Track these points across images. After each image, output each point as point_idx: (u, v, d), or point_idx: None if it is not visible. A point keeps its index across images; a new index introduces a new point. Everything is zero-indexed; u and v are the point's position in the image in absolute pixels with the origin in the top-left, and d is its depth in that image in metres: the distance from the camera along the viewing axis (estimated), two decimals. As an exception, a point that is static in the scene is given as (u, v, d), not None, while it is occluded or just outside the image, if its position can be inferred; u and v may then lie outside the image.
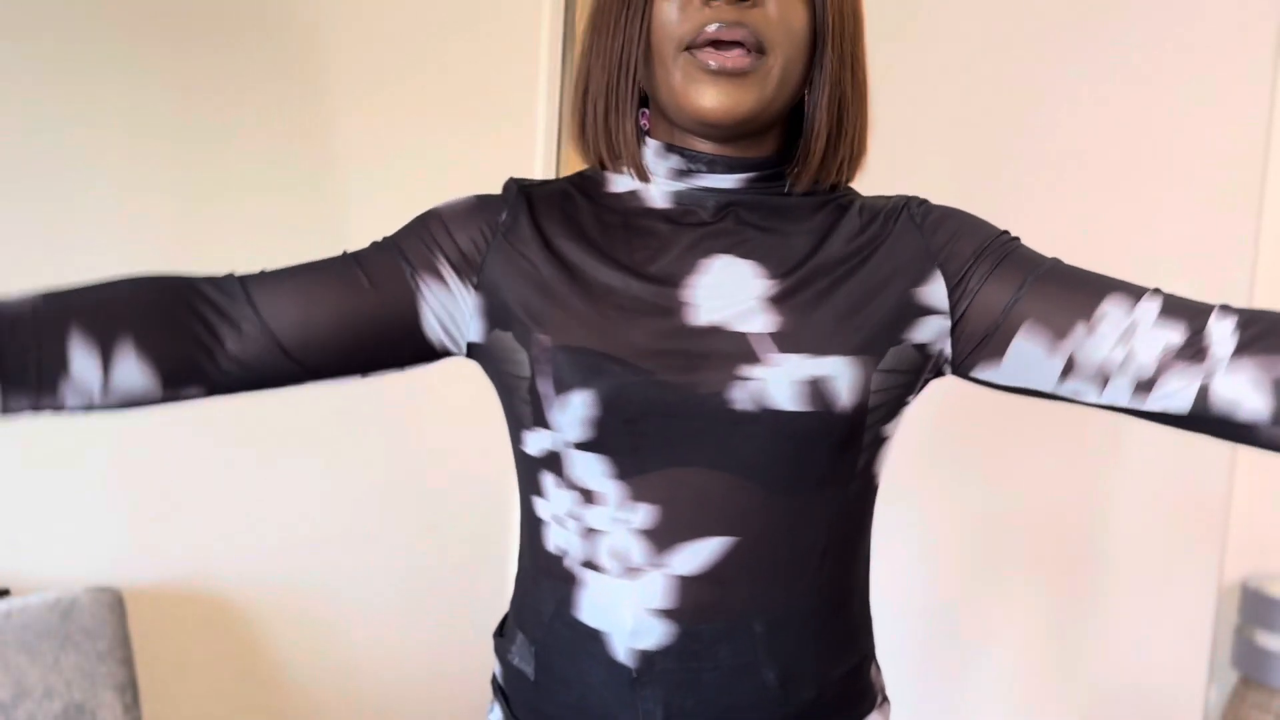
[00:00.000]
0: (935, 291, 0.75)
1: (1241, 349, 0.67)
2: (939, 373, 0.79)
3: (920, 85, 2.64)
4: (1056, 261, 0.76)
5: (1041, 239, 2.42)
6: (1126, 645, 2.29)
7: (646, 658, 0.73)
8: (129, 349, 0.72)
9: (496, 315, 0.77)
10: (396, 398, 1.99)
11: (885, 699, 0.86)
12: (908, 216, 0.77)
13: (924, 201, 0.80)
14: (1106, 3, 2.32)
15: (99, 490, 1.57)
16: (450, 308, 0.78)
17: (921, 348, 0.75)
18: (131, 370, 0.72)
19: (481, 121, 2.09)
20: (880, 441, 0.77)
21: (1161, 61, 2.24)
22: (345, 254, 0.79)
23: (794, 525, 0.74)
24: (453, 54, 2.03)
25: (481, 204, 0.80)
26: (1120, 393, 0.71)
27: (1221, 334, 0.68)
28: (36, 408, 0.72)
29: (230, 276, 0.79)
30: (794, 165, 0.77)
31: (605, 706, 0.76)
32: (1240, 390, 0.67)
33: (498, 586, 2.26)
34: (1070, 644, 2.38)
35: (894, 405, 0.76)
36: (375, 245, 0.80)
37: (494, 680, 0.91)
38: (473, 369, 2.16)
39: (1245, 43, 2.13)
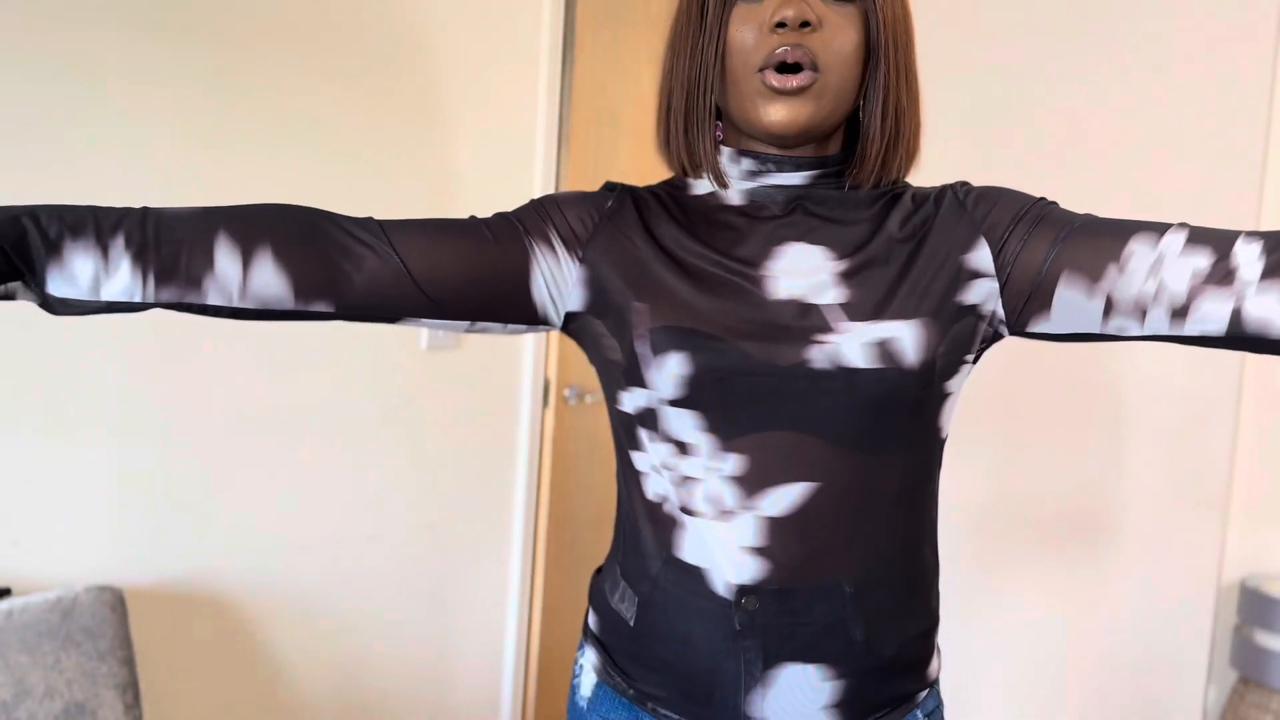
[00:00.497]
0: (981, 257, 0.83)
1: (1271, 270, 0.71)
2: (996, 335, 0.87)
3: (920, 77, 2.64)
4: (1089, 216, 0.82)
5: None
6: (1126, 644, 2.29)
7: (744, 594, 0.82)
8: (267, 255, 0.80)
9: (596, 296, 0.87)
10: (397, 399, 1.99)
11: (940, 662, 0.95)
12: (952, 195, 0.87)
13: (966, 183, 0.89)
14: (1106, 4, 2.32)
15: (100, 490, 1.57)
16: (557, 275, 0.87)
17: (973, 308, 0.83)
18: (268, 275, 0.80)
19: (481, 125, 2.09)
20: (945, 396, 0.85)
21: (1161, 62, 2.24)
22: (471, 216, 0.89)
23: (870, 473, 0.83)
24: (453, 56, 2.03)
25: (590, 194, 0.91)
26: (1159, 322, 0.76)
27: (1249, 257, 0.72)
28: (183, 302, 0.79)
29: (369, 217, 0.87)
30: (853, 166, 0.86)
31: (710, 657, 0.84)
32: (1273, 309, 0.70)
33: (498, 586, 2.26)
34: (1070, 643, 2.38)
35: (956, 363, 0.83)
36: (497, 214, 0.89)
37: (586, 627, 0.97)
38: (471, 372, 2.15)
39: (1245, 43, 2.13)
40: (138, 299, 0.78)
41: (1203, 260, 0.74)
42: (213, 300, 0.79)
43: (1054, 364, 2.39)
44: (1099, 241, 0.78)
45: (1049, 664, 2.40)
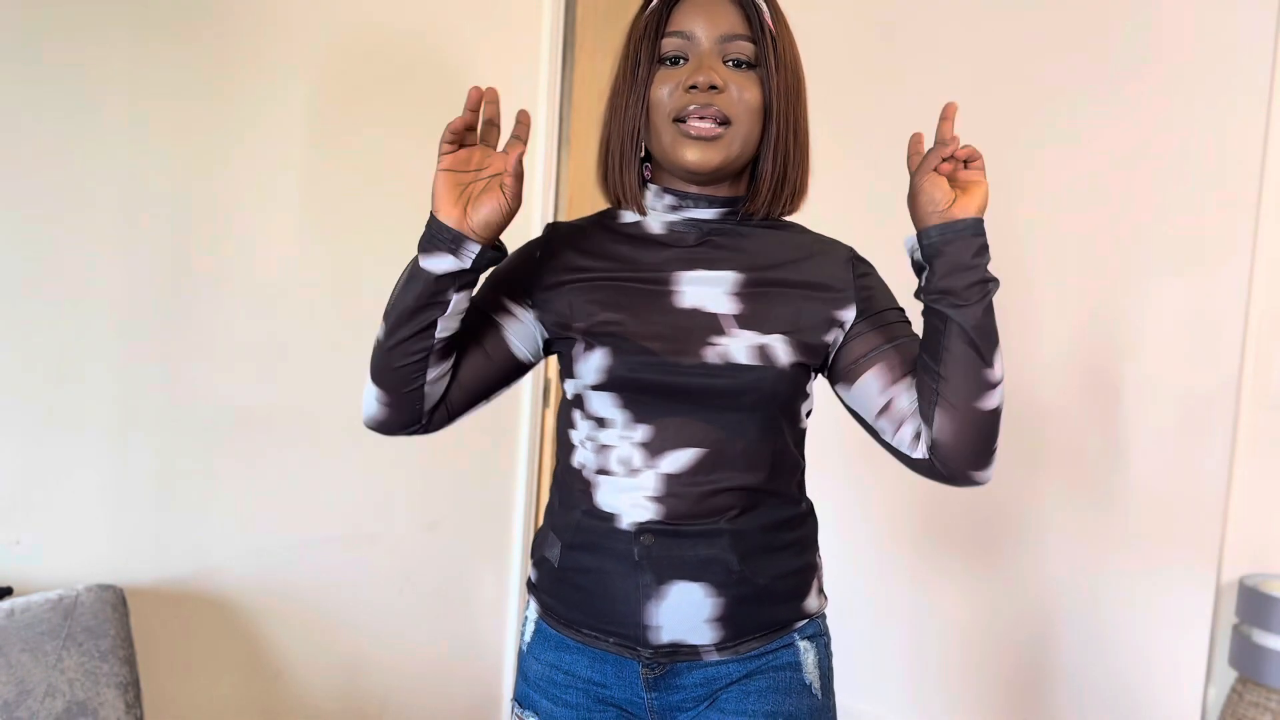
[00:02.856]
0: (847, 315, 1.06)
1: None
2: (821, 367, 1.09)
3: (923, 82, 2.65)
4: (912, 338, 1.07)
5: (1041, 239, 2.43)
6: (1125, 644, 2.30)
7: (643, 530, 1.03)
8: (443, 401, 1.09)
9: (551, 321, 1.07)
10: (397, 397, 1.99)
11: (824, 601, 1.16)
12: (848, 259, 1.09)
13: (857, 255, 1.12)
14: (1107, 5, 2.33)
15: (101, 490, 1.57)
16: (522, 330, 1.09)
17: (824, 346, 1.06)
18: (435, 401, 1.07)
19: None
20: (804, 395, 1.09)
21: (1160, 63, 2.24)
22: (470, 346, 1.10)
23: (746, 443, 1.04)
24: (453, 57, 2.03)
25: (523, 251, 1.12)
26: (904, 438, 1.04)
27: None
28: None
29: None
30: (746, 201, 1.06)
31: (617, 581, 1.05)
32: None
33: (498, 585, 2.26)
34: (1068, 641, 2.38)
35: (809, 372, 1.07)
36: (476, 314, 1.09)
37: (529, 582, 1.17)
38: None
39: (1243, 44, 2.14)
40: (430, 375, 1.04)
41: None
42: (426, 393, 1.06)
43: (1054, 364, 2.39)
44: (904, 361, 1.04)
45: (1048, 661, 2.41)
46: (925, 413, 1.01)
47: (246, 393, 1.74)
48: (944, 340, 0.97)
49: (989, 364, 0.98)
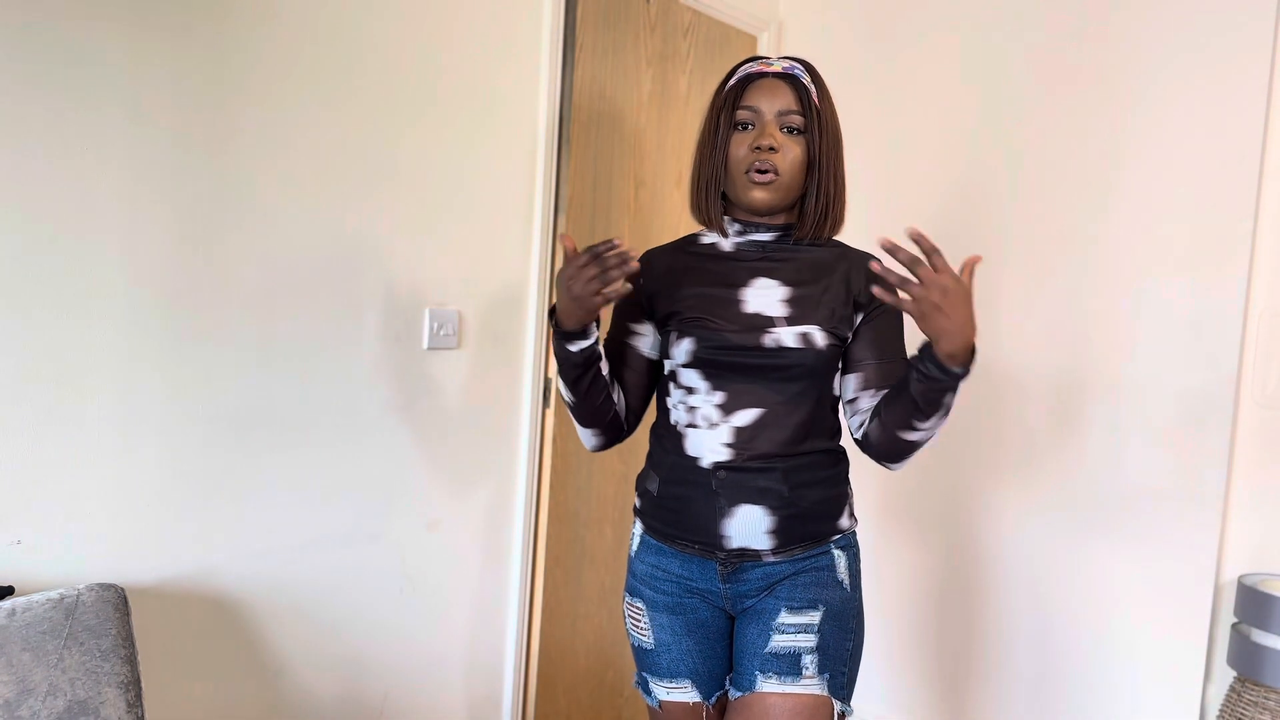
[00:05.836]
0: (858, 317, 1.45)
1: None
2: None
3: (922, 81, 2.65)
4: (893, 361, 1.45)
5: (1041, 239, 2.43)
6: (1124, 642, 2.30)
7: (718, 467, 1.41)
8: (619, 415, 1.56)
9: (658, 323, 1.51)
10: (396, 399, 1.99)
11: (854, 522, 1.52)
12: (870, 272, 1.46)
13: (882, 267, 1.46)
14: (1107, 5, 2.33)
15: (103, 489, 1.57)
16: (648, 340, 1.53)
17: (848, 335, 1.45)
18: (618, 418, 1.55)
19: (481, 125, 2.10)
20: (833, 369, 1.45)
21: (1161, 63, 2.24)
22: (623, 369, 1.54)
23: (794, 404, 1.42)
24: (453, 57, 2.03)
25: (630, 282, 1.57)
26: (854, 424, 1.45)
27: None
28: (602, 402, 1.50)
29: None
30: (796, 228, 1.47)
31: (699, 505, 1.43)
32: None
33: (498, 586, 2.26)
34: (1067, 640, 2.39)
35: (839, 350, 1.44)
36: (616, 344, 1.54)
37: (634, 508, 1.57)
38: (471, 372, 2.16)
39: (1243, 44, 2.14)
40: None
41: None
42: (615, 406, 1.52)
43: (1056, 363, 2.39)
44: (879, 379, 1.44)
45: (1047, 659, 2.41)
46: (871, 415, 1.41)
47: (247, 392, 1.74)
48: (904, 388, 1.32)
49: (923, 418, 1.32)
